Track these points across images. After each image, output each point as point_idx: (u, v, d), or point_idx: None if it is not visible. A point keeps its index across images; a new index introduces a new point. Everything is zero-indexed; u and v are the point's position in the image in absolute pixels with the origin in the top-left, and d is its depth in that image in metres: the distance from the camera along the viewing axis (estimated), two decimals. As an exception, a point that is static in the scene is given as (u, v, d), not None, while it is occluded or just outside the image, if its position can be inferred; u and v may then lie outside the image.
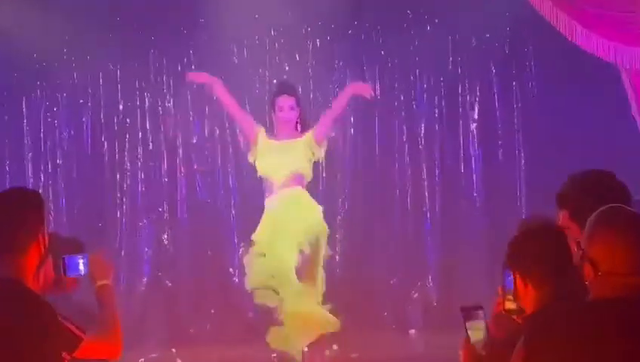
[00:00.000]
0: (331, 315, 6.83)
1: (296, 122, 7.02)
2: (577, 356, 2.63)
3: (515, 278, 3.17)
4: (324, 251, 6.91)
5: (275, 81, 8.85)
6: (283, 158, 6.90)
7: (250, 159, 7.09)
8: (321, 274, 6.87)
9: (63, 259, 3.42)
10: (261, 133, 7.03)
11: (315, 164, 8.89)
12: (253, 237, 6.96)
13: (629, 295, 2.67)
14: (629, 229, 2.71)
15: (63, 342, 3.05)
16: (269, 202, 6.94)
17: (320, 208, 7.00)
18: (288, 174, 6.90)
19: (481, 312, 3.22)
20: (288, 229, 6.80)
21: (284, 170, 6.89)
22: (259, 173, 7.01)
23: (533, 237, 3.25)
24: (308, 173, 7.04)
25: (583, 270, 2.77)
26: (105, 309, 3.34)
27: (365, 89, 7.32)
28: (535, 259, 3.15)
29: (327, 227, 6.96)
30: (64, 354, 3.07)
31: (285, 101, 7.00)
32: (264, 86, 8.90)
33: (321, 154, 7.10)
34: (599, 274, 2.69)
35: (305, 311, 6.71)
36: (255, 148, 7.02)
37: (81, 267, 3.43)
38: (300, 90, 8.82)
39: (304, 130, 7.04)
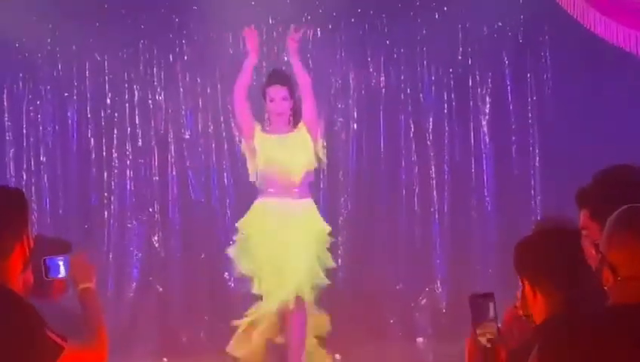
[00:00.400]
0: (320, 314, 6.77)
1: (290, 115, 6.85)
2: None
3: (523, 285, 3.16)
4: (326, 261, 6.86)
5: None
6: (295, 152, 6.78)
7: (248, 155, 6.91)
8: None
9: (44, 260, 3.40)
10: (257, 127, 6.88)
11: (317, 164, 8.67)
12: (239, 224, 6.89)
13: None
14: None
15: (44, 353, 2.95)
16: (275, 205, 6.71)
17: (327, 228, 6.92)
18: (304, 170, 6.76)
19: (491, 303, 3.10)
20: (288, 241, 6.69)
21: (299, 164, 6.78)
22: (260, 168, 6.81)
23: (540, 241, 3.23)
24: (312, 166, 6.90)
25: (602, 274, 2.73)
26: (88, 314, 3.29)
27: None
28: (543, 265, 3.12)
29: (328, 241, 6.95)
30: None
31: (277, 92, 6.86)
32: (261, 78, 8.62)
33: (320, 149, 6.95)
34: (619, 278, 2.64)
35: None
36: (252, 142, 6.85)
37: (62, 269, 3.40)
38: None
39: (297, 122, 6.90)
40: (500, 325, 3.12)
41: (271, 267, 6.67)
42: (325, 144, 7.38)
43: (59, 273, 3.39)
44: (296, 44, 7.04)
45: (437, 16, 8.74)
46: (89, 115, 8.75)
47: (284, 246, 6.67)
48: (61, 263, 3.39)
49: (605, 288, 2.72)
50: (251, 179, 7.00)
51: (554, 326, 2.76)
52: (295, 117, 6.85)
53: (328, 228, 6.96)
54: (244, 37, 7.19)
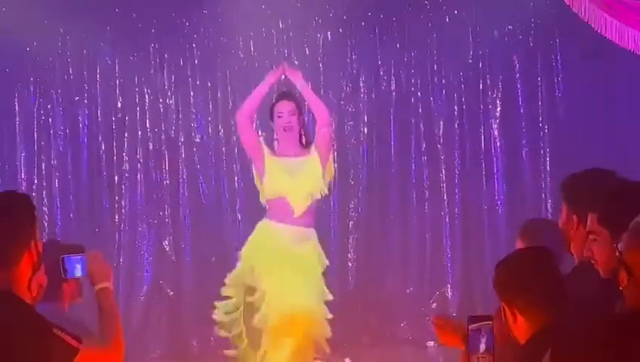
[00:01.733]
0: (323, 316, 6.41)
1: (299, 132, 6.51)
2: None
3: (503, 309, 3.15)
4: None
5: (283, 77, 8.58)
6: (302, 180, 6.43)
7: (258, 180, 6.59)
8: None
9: (62, 259, 3.39)
10: (265, 150, 6.54)
11: None
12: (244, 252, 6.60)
13: None
14: None
15: (58, 355, 2.93)
16: (279, 231, 6.44)
17: (325, 262, 6.59)
18: (310, 200, 6.43)
19: (486, 334, 3.09)
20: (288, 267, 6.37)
21: (304, 193, 6.42)
22: (270, 195, 6.49)
23: (516, 264, 3.19)
24: (319, 195, 6.56)
25: (619, 275, 2.70)
26: (105, 314, 3.27)
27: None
28: (520, 289, 3.10)
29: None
30: None
31: (285, 106, 6.48)
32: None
33: (328, 174, 6.62)
34: (633, 279, 2.62)
35: (289, 307, 6.23)
36: (261, 165, 6.52)
37: (79, 268, 3.39)
38: (309, 85, 8.53)
39: (308, 142, 6.57)
40: (495, 355, 3.07)
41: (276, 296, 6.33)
42: (335, 166, 7.21)
43: (77, 272, 3.40)
44: (298, 74, 6.74)
45: (447, 20, 8.70)
46: (100, 119, 8.70)
47: (283, 277, 6.35)
48: (79, 263, 3.39)
49: (620, 289, 2.70)
50: (261, 200, 6.65)
51: (567, 332, 2.66)
52: (306, 136, 6.55)
53: (325, 264, 6.61)
54: (272, 68, 6.89)
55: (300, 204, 6.39)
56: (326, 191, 6.58)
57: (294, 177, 6.40)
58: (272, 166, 6.45)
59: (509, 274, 3.16)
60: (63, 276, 3.40)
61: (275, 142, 6.59)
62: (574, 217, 3.72)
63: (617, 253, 2.75)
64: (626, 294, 2.68)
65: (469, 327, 3.10)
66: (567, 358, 2.55)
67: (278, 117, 6.45)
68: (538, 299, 3.08)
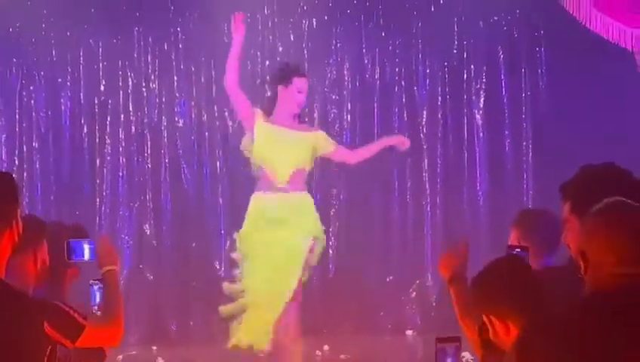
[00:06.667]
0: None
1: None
2: (580, 352, 2.61)
3: (492, 322, 3.11)
4: (314, 259, 6.56)
5: (267, 62, 8.61)
6: (288, 149, 6.46)
7: (245, 144, 6.63)
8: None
9: (68, 242, 3.46)
10: (257, 114, 6.54)
11: None
12: (240, 235, 6.56)
13: (622, 286, 2.66)
14: (622, 220, 2.70)
15: (65, 330, 3.04)
16: (267, 200, 6.48)
17: (318, 217, 6.63)
18: (293, 169, 6.46)
19: (456, 344, 3.18)
20: (285, 237, 6.41)
21: (288, 163, 6.45)
22: (255, 161, 6.55)
23: (499, 279, 3.16)
24: (309, 168, 6.66)
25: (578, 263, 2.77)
26: (110, 295, 3.39)
27: (400, 141, 6.98)
28: (511, 301, 3.09)
29: (324, 239, 6.74)
30: (66, 342, 3.07)
31: (304, 84, 6.52)
32: (256, 67, 8.68)
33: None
34: (589, 264, 2.70)
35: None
36: (251, 131, 6.55)
37: (87, 252, 3.47)
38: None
39: (302, 121, 6.66)
40: None
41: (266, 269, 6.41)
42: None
43: (83, 256, 3.46)
44: (391, 144, 6.98)
45: (432, 9, 8.69)
46: (82, 102, 8.64)
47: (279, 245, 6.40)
48: (87, 247, 3.46)
49: (581, 276, 2.74)
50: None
51: (527, 335, 2.77)
52: (300, 115, 6.68)
53: (322, 229, 6.66)
54: (233, 21, 6.72)
55: (281, 171, 6.41)
56: (311, 166, 6.66)
57: (280, 146, 6.42)
58: (261, 132, 6.47)
59: (495, 289, 3.12)
60: (67, 259, 3.47)
61: (275, 109, 6.53)
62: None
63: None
64: (586, 279, 2.72)
65: (437, 347, 3.15)
66: (532, 350, 2.66)
67: (299, 92, 6.47)
68: (528, 306, 3.07)
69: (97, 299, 3.59)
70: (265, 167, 6.47)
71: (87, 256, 3.47)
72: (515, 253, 3.58)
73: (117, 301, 3.35)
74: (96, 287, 3.57)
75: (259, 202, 6.53)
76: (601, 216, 2.72)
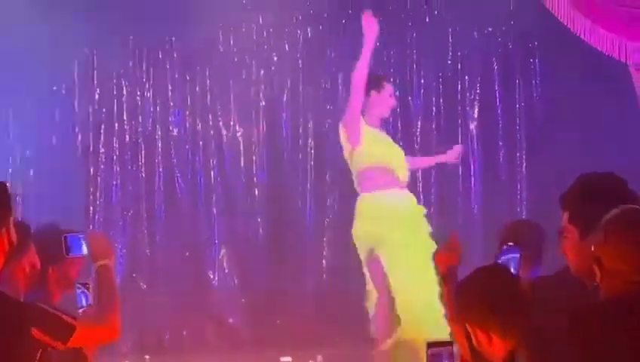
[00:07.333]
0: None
1: None
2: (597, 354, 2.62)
3: (475, 333, 3.11)
4: None
5: (262, 72, 8.68)
6: (397, 149, 6.87)
7: (356, 145, 6.73)
8: None
9: (65, 237, 3.41)
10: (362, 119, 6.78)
11: (303, 163, 8.62)
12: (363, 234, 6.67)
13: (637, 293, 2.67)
14: (638, 228, 2.72)
15: (54, 333, 2.98)
16: (396, 197, 6.66)
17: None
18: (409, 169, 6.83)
19: (447, 348, 3.10)
20: (426, 236, 6.64)
21: (404, 161, 6.82)
22: (365, 160, 6.69)
23: (480, 287, 3.16)
24: None
25: (593, 271, 2.77)
26: (103, 291, 3.28)
27: (454, 155, 7.29)
28: (492, 309, 3.08)
29: None
30: (57, 344, 3.00)
31: (392, 90, 6.98)
32: (250, 76, 8.65)
33: None
34: (604, 271, 2.71)
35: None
36: (357, 134, 6.73)
37: (84, 246, 3.41)
38: (288, 83, 8.54)
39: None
40: None
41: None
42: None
43: (81, 250, 3.40)
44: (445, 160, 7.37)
45: (427, 20, 8.70)
46: (76, 110, 8.62)
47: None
48: (81, 241, 3.40)
49: (595, 283, 2.77)
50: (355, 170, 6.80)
51: (541, 341, 2.80)
52: None
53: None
54: (363, 20, 6.89)
55: (402, 170, 6.72)
56: None
57: (391, 146, 6.80)
58: (369, 134, 6.70)
59: (477, 299, 3.12)
60: (66, 254, 3.42)
61: (369, 112, 6.76)
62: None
63: (592, 249, 2.79)
64: (601, 286, 2.74)
65: (429, 352, 3.10)
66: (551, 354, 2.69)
67: (391, 96, 6.84)
68: (510, 315, 3.07)
69: (83, 302, 3.55)
70: (382, 165, 6.66)
71: (85, 250, 3.41)
72: (507, 249, 3.54)
73: (111, 297, 3.24)
74: (79, 291, 3.54)
75: (385, 200, 6.66)
76: (616, 223, 2.74)
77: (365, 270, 6.71)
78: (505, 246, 3.51)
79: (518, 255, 3.47)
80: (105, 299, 3.24)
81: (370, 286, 6.70)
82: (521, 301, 3.12)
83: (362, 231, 6.65)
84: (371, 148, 6.67)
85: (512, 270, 3.38)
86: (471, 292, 3.15)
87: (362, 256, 6.69)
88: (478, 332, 3.10)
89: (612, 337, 2.62)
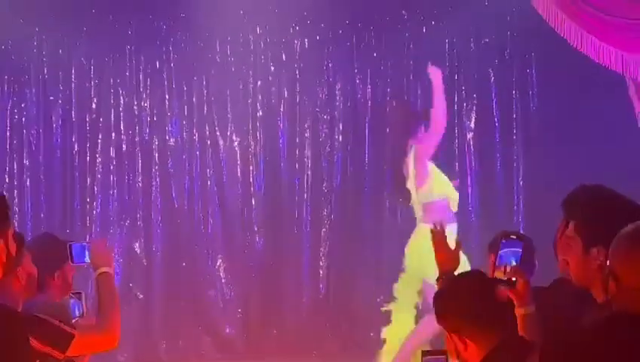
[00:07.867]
0: None
1: None
2: None
3: (451, 338, 3.08)
4: None
5: (259, 82, 8.67)
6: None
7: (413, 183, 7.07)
8: None
9: (70, 245, 3.49)
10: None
11: (301, 174, 8.61)
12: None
13: None
14: None
15: (53, 341, 3.00)
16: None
17: None
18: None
19: (442, 357, 3.16)
20: None
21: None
22: (437, 196, 7.02)
23: (456, 293, 3.14)
24: None
25: (607, 285, 2.70)
26: (103, 298, 3.32)
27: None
28: (467, 316, 3.06)
29: None
30: (57, 353, 3.00)
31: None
32: (248, 87, 8.62)
33: None
34: (621, 287, 2.62)
35: None
36: (425, 169, 7.13)
37: (87, 254, 3.48)
38: (285, 93, 8.53)
39: None
40: None
41: None
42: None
43: (84, 259, 3.48)
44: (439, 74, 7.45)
45: (424, 31, 8.69)
46: (74, 119, 8.61)
47: None
48: (85, 249, 3.49)
49: (610, 298, 2.70)
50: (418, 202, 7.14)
51: (548, 353, 2.63)
52: None
53: None
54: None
55: (456, 203, 7.12)
56: None
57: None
58: (434, 169, 7.08)
59: (453, 304, 3.11)
60: (71, 262, 3.49)
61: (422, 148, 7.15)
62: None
63: (607, 263, 2.73)
64: (617, 301, 2.68)
65: (423, 360, 3.13)
66: None
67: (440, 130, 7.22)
68: (486, 322, 3.05)
69: (77, 313, 3.57)
70: (445, 197, 7.09)
71: (88, 258, 3.49)
72: (507, 243, 3.40)
73: (111, 305, 3.29)
74: (72, 301, 3.55)
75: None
76: (635, 237, 2.68)
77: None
78: (504, 240, 3.36)
79: (520, 249, 3.38)
80: (105, 307, 3.29)
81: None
82: (496, 307, 3.11)
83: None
84: (443, 181, 7.06)
85: (514, 263, 3.30)
86: (446, 299, 3.15)
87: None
88: (455, 338, 3.09)
89: (620, 354, 2.46)
